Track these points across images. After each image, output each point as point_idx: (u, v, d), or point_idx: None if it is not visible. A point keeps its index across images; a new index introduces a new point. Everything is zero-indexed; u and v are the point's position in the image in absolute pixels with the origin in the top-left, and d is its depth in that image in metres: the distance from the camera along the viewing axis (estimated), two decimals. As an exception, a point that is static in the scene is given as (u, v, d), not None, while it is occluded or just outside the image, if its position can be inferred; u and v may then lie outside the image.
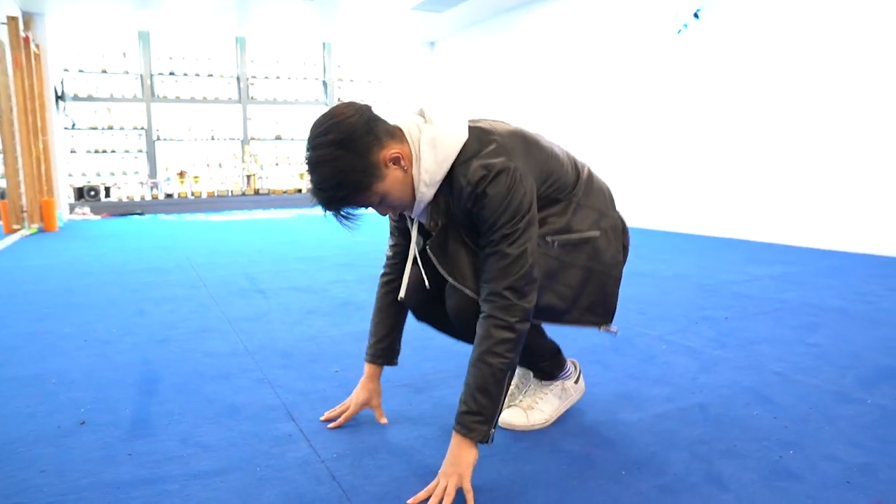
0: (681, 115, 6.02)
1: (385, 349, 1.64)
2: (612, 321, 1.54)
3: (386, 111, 1.37)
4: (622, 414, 1.71)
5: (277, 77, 9.94)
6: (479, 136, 1.34)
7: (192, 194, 9.39)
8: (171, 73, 9.29)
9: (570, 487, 1.32)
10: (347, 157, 1.25)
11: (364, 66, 10.50)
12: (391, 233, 1.63)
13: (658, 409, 1.74)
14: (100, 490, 1.33)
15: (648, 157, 6.41)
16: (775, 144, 5.15)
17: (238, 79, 9.68)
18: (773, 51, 5.12)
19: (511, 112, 8.31)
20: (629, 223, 1.60)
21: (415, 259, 1.50)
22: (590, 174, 1.55)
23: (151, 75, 9.15)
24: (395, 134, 1.33)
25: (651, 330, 2.52)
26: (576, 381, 1.73)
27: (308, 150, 1.28)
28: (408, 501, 1.26)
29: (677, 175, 6.11)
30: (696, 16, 5.81)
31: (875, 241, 4.46)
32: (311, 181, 1.29)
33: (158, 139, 9.30)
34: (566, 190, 1.46)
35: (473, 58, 9.22)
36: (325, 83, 10.20)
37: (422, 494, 1.27)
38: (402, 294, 1.51)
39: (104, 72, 8.92)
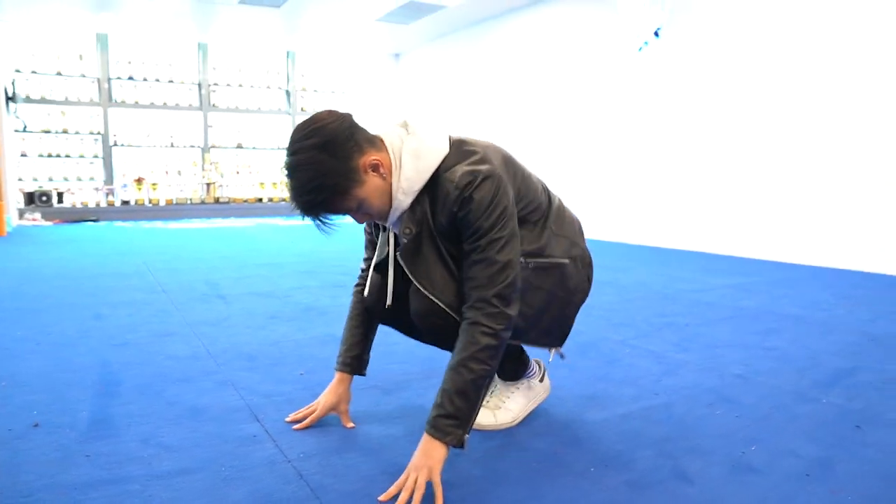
0: (638, 130, 6.15)
1: (354, 358, 1.64)
2: (561, 345, 1.57)
3: (363, 121, 1.38)
4: (588, 414, 1.72)
5: (240, 85, 9.83)
6: (460, 148, 1.37)
7: (150, 202, 9.19)
8: (130, 78, 9.11)
9: (540, 484, 1.32)
10: (328, 161, 1.26)
11: (328, 77, 10.47)
12: (366, 246, 1.65)
13: (623, 409, 1.76)
14: (55, 491, 1.28)
15: (606, 169, 6.53)
16: (730, 159, 5.31)
17: (199, 85, 9.54)
18: (730, 68, 5.28)
19: (475, 126, 8.38)
20: (586, 234, 1.63)
21: (383, 267, 1.50)
22: (560, 204, 1.59)
23: (109, 79, 8.95)
24: (375, 142, 1.35)
25: (615, 335, 2.56)
26: (541, 380, 1.74)
27: (288, 154, 1.29)
28: (379, 498, 1.25)
29: (633, 188, 6.23)
30: (656, 34, 5.96)
31: (827, 255, 4.62)
32: (291, 186, 1.29)
33: (115, 145, 9.08)
34: (539, 214, 1.49)
35: (438, 70, 9.28)
36: (288, 92, 10.13)
37: (392, 490, 1.26)
38: (365, 292, 1.52)
39: (59, 74, 8.70)
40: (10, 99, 7.98)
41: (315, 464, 1.40)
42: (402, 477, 1.27)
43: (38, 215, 8.27)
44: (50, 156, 8.77)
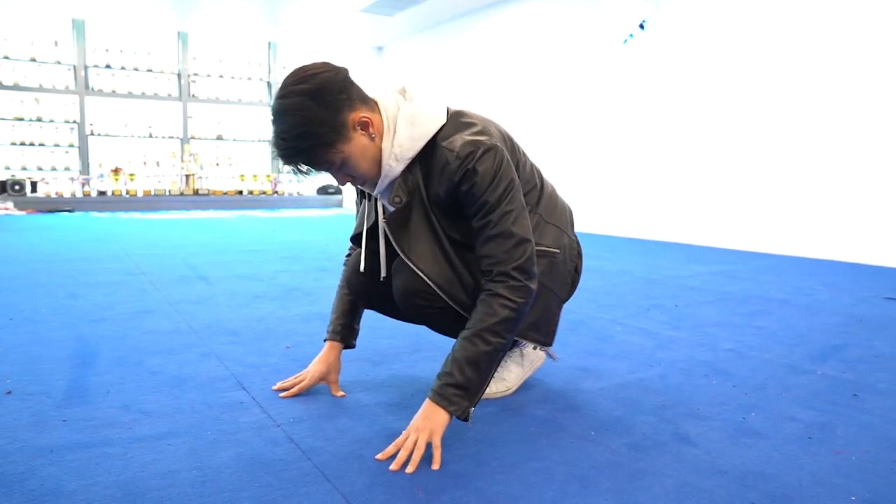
0: (623, 123, 6.16)
1: (344, 326, 1.59)
2: (552, 343, 1.52)
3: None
4: (584, 383, 1.69)
5: (220, 76, 9.69)
6: (458, 119, 1.32)
7: (127, 192, 9.02)
8: (108, 66, 8.93)
9: (540, 447, 1.28)
10: (317, 109, 1.20)
11: (310, 69, 10.35)
12: (357, 215, 1.58)
13: (619, 379, 1.73)
14: (30, 454, 1.21)
15: (589, 162, 6.53)
16: (712, 151, 5.33)
17: (179, 75, 9.39)
18: (714, 60, 5.30)
19: (459, 117, 8.33)
20: None
21: (368, 238, 1.44)
22: (553, 191, 1.55)
23: (86, 67, 8.76)
24: (369, 102, 1.30)
25: (605, 314, 2.53)
26: (534, 347, 1.69)
27: (277, 98, 1.23)
28: (377, 456, 1.20)
29: (615, 179, 6.24)
30: (641, 26, 5.98)
31: (807, 245, 4.65)
32: (274, 131, 1.23)
33: (92, 134, 8.90)
34: (531, 198, 1.45)
35: (421, 63, 9.23)
36: (269, 84, 10.01)
37: (391, 448, 1.21)
38: (361, 267, 1.45)
39: (33, 60, 8.49)
40: (-18, 85, 7.78)
41: (305, 428, 1.35)
42: (402, 436, 1.23)
43: (10, 204, 8.07)
44: (23, 144, 8.56)
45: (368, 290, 1.51)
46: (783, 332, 2.31)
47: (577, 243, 1.58)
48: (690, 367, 1.86)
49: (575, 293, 1.62)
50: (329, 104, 1.22)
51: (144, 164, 9.24)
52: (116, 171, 8.98)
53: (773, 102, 4.88)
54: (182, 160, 9.43)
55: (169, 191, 9.33)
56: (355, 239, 1.51)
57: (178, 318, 2.36)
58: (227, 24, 8.91)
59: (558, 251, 1.47)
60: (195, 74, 9.50)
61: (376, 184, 1.33)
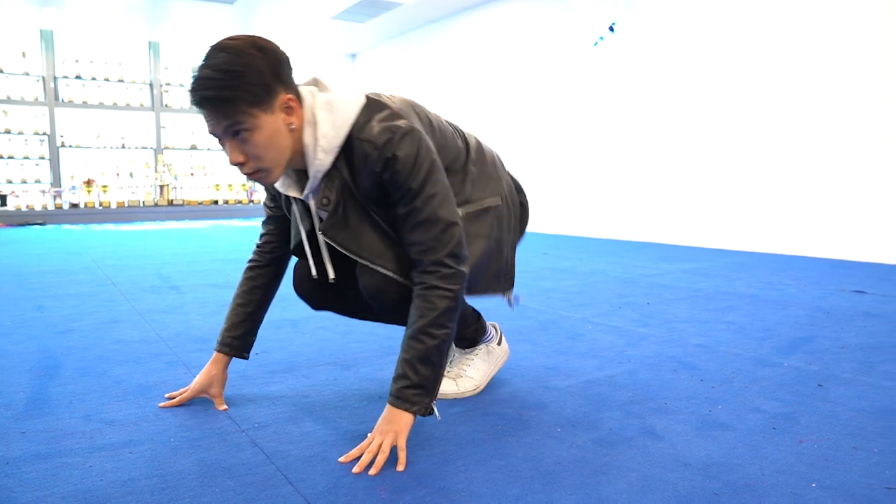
0: (593, 126, 6.21)
1: (236, 338, 1.52)
2: (512, 287, 1.52)
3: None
4: (552, 382, 1.69)
5: (193, 85, 9.59)
6: (371, 106, 1.27)
7: (101, 204, 8.89)
8: (78, 77, 8.81)
9: (505, 444, 1.28)
10: (260, 61, 1.14)
11: (284, 77, 10.30)
12: (265, 220, 1.54)
13: (587, 377, 1.74)
14: (-14, 467, 1.18)
15: (561, 163, 6.57)
16: (682, 151, 5.39)
17: (151, 85, 9.29)
18: (685, 61, 5.37)
19: (434, 123, 8.34)
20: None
21: (304, 248, 1.39)
22: (478, 144, 1.52)
23: (55, 78, 8.64)
24: (298, 94, 1.24)
25: (576, 314, 2.54)
26: (499, 343, 1.69)
27: (220, 41, 1.16)
28: (339, 459, 1.19)
29: (588, 181, 6.28)
30: (611, 29, 6.04)
31: (775, 242, 4.72)
32: (202, 65, 1.14)
33: (63, 146, 8.77)
34: (459, 161, 1.42)
35: (395, 70, 9.24)
36: (243, 92, 9.93)
37: (354, 452, 1.20)
38: (314, 273, 1.40)
39: (0, 71, 8.36)
40: (-53, 97, 7.63)
41: (270, 432, 1.34)
42: (366, 440, 1.22)
43: (-21, 219, 7.91)
44: (-8, 157, 8.42)
45: (321, 294, 1.50)
46: (752, 326, 2.34)
47: (513, 179, 1.58)
48: (659, 362, 1.87)
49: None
50: (272, 66, 1.16)
51: (117, 175, 9.12)
52: (89, 182, 8.85)
53: (738, 101, 4.95)
54: (156, 171, 9.32)
55: (143, 202, 9.22)
56: (297, 250, 1.44)
57: (147, 328, 2.33)
58: (199, 33, 8.84)
59: (500, 200, 1.46)
60: (168, 84, 9.41)
61: (275, 179, 1.24)
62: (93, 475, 1.14)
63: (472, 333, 1.61)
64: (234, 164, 1.19)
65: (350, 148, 1.24)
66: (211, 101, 1.13)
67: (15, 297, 2.94)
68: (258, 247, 1.55)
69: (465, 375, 1.59)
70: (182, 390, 1.55)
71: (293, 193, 1.32)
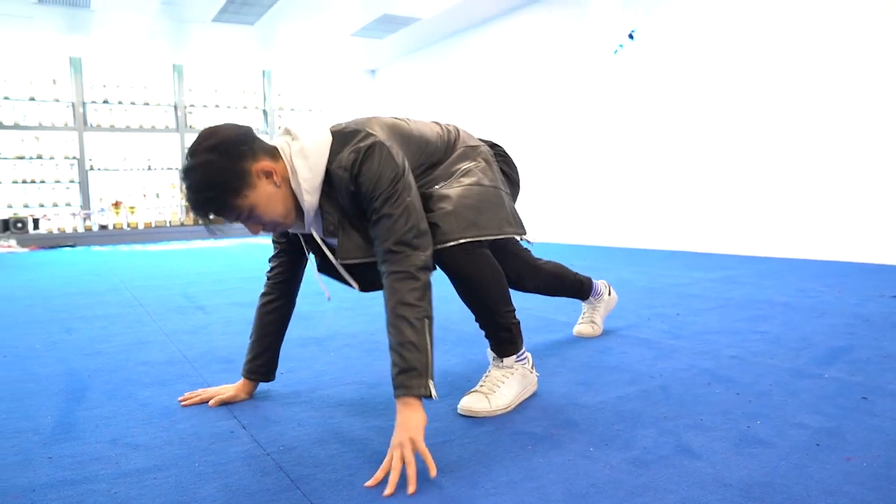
0: (616, 134, 6.15)
1: (261, 366, 1.69)
2: (525, 232, 1.64)
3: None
4: (582, 398, 1.65)
5: (217, 105, 9.75)
6: (341, 134, 1.41)
7: (128, 225, 9.03)
8: (105, 102, 9.00)
9: (536, 464, 1.24)
10: (220, 160, 1.31)
11: (305, 95, 10.42)
12: (274, 255, 1.71)
13: (619, 392, 1.69)
14: (11, 494, 1.17)
15: (583, 174, 6.51)
16: (706, 158, 5.31)
17: (175, 107, 9.45)
18: (706, 68, 5.30)
19: (455, 136, 8.34)
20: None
21: (327, 268, 1.57)
22: (458, 133, 1.67)
23: (84, 103, 8.83)
24: (272, 153, 1.39)
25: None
26: (531, 370, 1.68)
27: (185, 159, 1.35)
28: (366, 484, 1.16)
29: (613, 190, 6.21)
30: (630, 36, 5.99)
31: (807, 247, 4.60)
32: (185, 186, 1.34)
33: (92, 169, 8.94)
34: (442, 153, 1.59)
35: (415, 84, 9.28)
36: (265, 112, 10.06)
37: (379, 474, 1.17)
38: (358, 287, 1.56)
39: (32, 99, 8.56)
40: (-19, 125, 7.83)
41: (295, 456, 1.31)
42: (388, 458, 1.20)
43: (13, 242, 8.08)
44: (24, 182, 8.61)
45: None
46: (787, 335, 2.26)
47: (486, 142, 1.77)
48: (692, 375, 1.81)
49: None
50: (231, 154, 1.32)
51: (144, 196, 9.27)
52: (117, 204, 9.01)
53: (766, 105, 4.86)
54: (181, 191, 9.43)
55: (169, 222, 9.35)
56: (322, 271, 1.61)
57: (173, 349, 2.33)
58: (222, 54, 8.98)
59: (477, 162, 1.61)
60: (191, 105, 9.56)
61: (292, 226, 1.45)
62: (118, 502, 1.13)
63: (506, 344, 1.62)
64: (255, 234, 1.45)
65: (330, 179, 1.39)
66: (207, 211, 1.34)
67: (44, 320, 2.97)
68: (269, 279, 1.71)
69: (499, 392, 1.56)
70: (203, 390, 1.72)
71: (288, 230, 1.51)
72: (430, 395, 1.27)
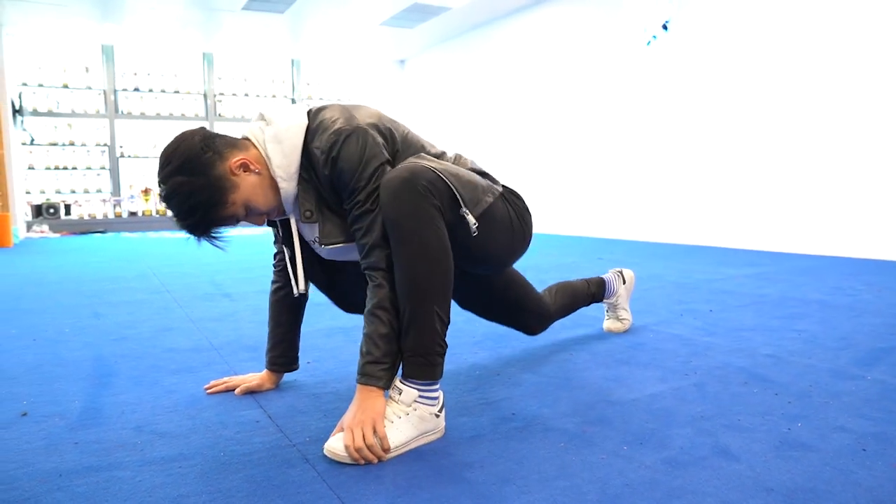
0: (651, 126, 6.04)
1: (280, 356, 1.66)
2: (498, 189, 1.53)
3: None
4: (615, 394, 1.60)
5: (246, 94, 9.81)
6: (318, 117, 1.36)
7: (157, 212, 9.15)
8: (136, 89, 9.10)
9: (569, 462, 1.20)
10: (191, 180, 1.27)
11: (334, 84, 10.43)
12: (275, 242, 1.65)
13: (652, 389, 1.64)
14: (37, 479, 1.17)
15: (617, 166, 6.41)
16: (741, 152, 5.18)
17: (205, 96, 9.52)
18: (739, 61, 5.17)
19: (483, 128, 8.29)
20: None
21: (303, 259, 1.51)
22: (457, 156, 1.55)
23: (115, 91, 8.94)
24: (239, 144, 1.36)
25: (636, 321, 2.43)
26: (438, 412, 1.34)
27: (159, 186, 1.31)
28: (325, 448, 1.24)
29: (645, 183, 6.11)
30: (664, 27, 5.87)
31: (843, 244, 4.48)
32: (172, 215, 1.32)
33: (122, 156, 9.06)
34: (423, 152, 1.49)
35: (444, 75, 9.22)
36: (294, 101, 10.09)
37: (341, 454, 1.21)
38: (301, 288, 1.48)
39: (65, 87, 8.69)
40: (17, 112, 7.97)
41: (321, 447, 1.29)
42: (347, 438, 1.21)
43: (45, 227, 8.23)
44: (57, 168, 8.75)
45: (349, 300, 1.65)
46: (825, 335, 2.19)
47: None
48: (728, 374, 1.76)
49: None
50: (198, 169, 1.28)
51: (173, 183, 9.35)
52: (146, 191, 9.12)
53: (804, 98, 4.73)
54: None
55: (198, 209, 9.42)
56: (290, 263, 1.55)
57: (200, 336, 2.33)
58: (251, 43, 9.01)
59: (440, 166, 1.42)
60: (221, 94, 9.63)
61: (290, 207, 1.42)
62: (142, 490, 1.12)
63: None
64: (262, 225, 1.45)
65: (310, 157, 1.35)
66: (205, 231, 1.33)
67: (73, 305, 3.00)
68: (275, 266, 1.67)
69: (390, 426, 1.27)
70: (229, 378, 1.70)
71: (279, 216, 1.45)
72: (388, 388, 1.30)
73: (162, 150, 1.32)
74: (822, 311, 2.60)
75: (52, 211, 8.45)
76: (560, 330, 2.28)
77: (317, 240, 1.41)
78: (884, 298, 2.85)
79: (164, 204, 1.32)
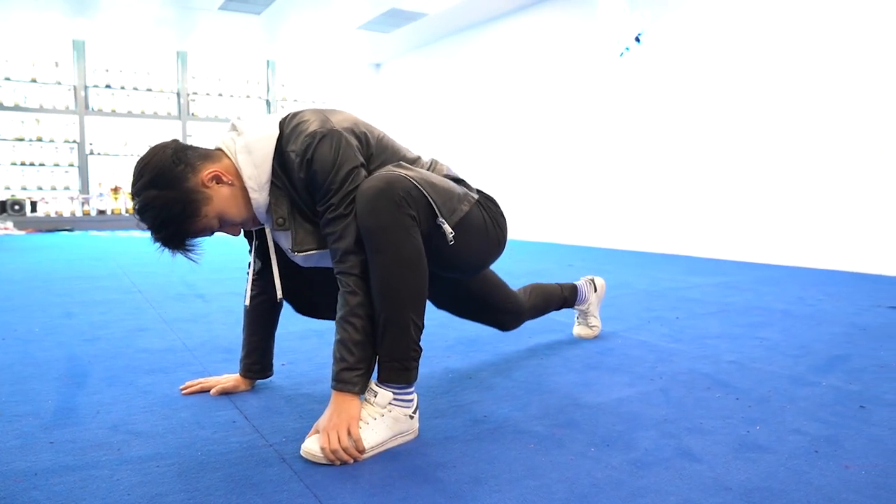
0: (623, 136, 6.16)
1: (254, 364, 1.68)
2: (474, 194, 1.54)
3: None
4: (584, 398, 1.65)
5: (220, 94, 9.73)
6: (293, 124, 1.36)
7: (127, 211, 9.02)
8: (108, 86, 8.98)
9: (539, 463, 1.25)
10: (163, 193, 1.28)
11: (309, 86, 10.40)
12: (250, 251, 1.64)
13: (620, 393, 1.69)
14: (13, 478, 1.18)
15: (587, 174, 6.52)
16: (710, 163, 5.32)
17: (178, 94, 9.43)
18: (712, 72, 5.31)
19: (457, 134, 8.35)
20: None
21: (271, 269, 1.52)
22: (434, 162, 1.58)
23: (86, 87, 8.81)
24: (212, 156, 1.36)
25: (605, 327, 2.49)
26: (413, 414, 1.38)
27: (132, 199, 1.33)
28: (303, 449, 1.26)
29: (615, 192, 6.22)
30: (637, 39, 5.99)
31: (806, 255, 4.62)
32: (147, 229, 1.33)
33: (92, 153, 8.92)
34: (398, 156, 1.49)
35: (420, 79, 9.26)
36: (268, 102, 10.05)
37: (318, 454, 1.24)
38: (281, 294, 1.52)
39: (34, 81, 8.54)
40: (-18, 106, 7.80)
41: (298, 447, 1.31)
42: (323, 440, 1.24)
43: (10, 224, 8.07)
44: (23, 164, 8.58)
45: (308, 303, 1.66)
46: (786, 343, 2.28)
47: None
48: (692, 379, 1.82)
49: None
50: (171, 182, 1.28)
51: (144, 182, 9.22)
52: (116, 189, 8.99)
53: (770, 111, 4.87)
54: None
55: (168, 209, 9.31)
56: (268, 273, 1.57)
57: (173, 336, 2.33)
58: (226, 43, 8.95)
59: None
60: (194, 93, 9.54)
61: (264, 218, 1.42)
62: (120, 489, 1.13)
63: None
64: (237, 235, 1.44)
65: (284, 161, 1.35)
66: (179, 243, 1.34)
67: (44, 303, 2.96)
68: (249, 274, 1.65)
69: (366, 427, 1.31)
70: (205, 379, 1.71)
71: (254, 226, 1.46)
72: (363, 393, 1.33)
73: (136, 163, 1.33)
74: (785, 319, 2.70)
75: (17, 207, 8.28)
76: (531, 335, 2.33)
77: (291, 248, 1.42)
78: (841, 308, 2.96)
79: (137, 217, 1.33)
